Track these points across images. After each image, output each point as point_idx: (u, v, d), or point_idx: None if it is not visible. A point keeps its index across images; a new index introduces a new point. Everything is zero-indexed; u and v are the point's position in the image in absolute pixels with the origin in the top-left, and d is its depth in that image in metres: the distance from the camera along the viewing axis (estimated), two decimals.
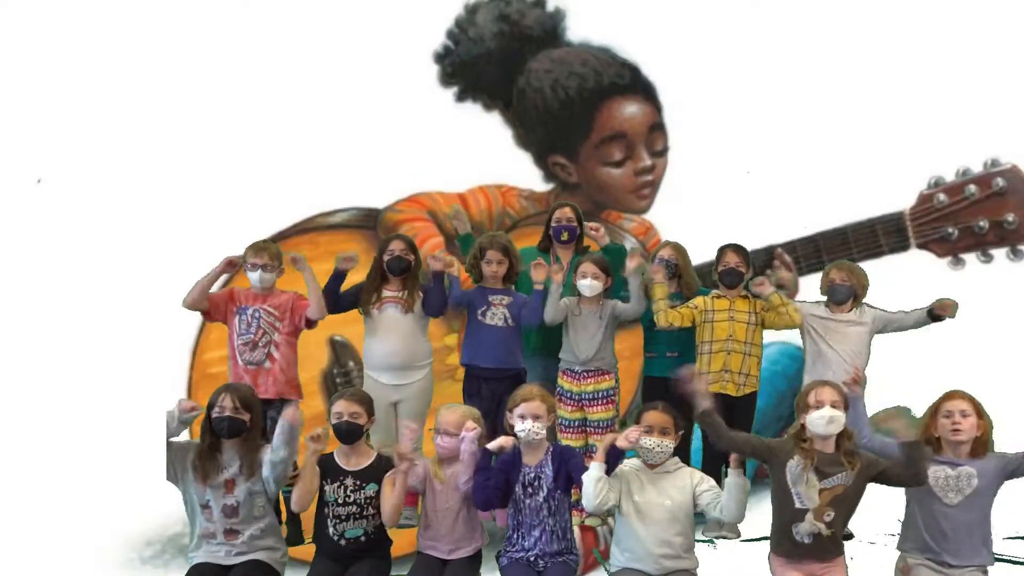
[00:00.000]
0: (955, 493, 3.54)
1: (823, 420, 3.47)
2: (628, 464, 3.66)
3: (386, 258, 4.55)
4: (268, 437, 4.36)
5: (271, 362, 4.51)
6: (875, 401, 4.56)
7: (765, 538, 3.72)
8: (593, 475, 3.52)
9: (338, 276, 4.56)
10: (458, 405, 3.93)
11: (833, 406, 3.48)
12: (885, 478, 3.50)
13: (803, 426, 3.55)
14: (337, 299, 4.58)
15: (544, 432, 3.70)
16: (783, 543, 3.54)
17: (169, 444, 3.73)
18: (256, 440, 3.78)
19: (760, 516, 3.66)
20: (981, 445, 3.58)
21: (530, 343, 4.72)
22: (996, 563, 3.82)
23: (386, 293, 4.57)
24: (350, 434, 3.78)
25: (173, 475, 3.74)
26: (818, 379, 3.87)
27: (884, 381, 4.59)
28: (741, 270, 4.59)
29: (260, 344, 4.50)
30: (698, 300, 4.60)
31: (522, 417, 3.67)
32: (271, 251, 4.59)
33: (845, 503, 3.48)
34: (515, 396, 3.77)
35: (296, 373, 4.63)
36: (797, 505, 3.48)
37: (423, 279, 4.70)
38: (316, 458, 3.72)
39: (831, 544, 3.50)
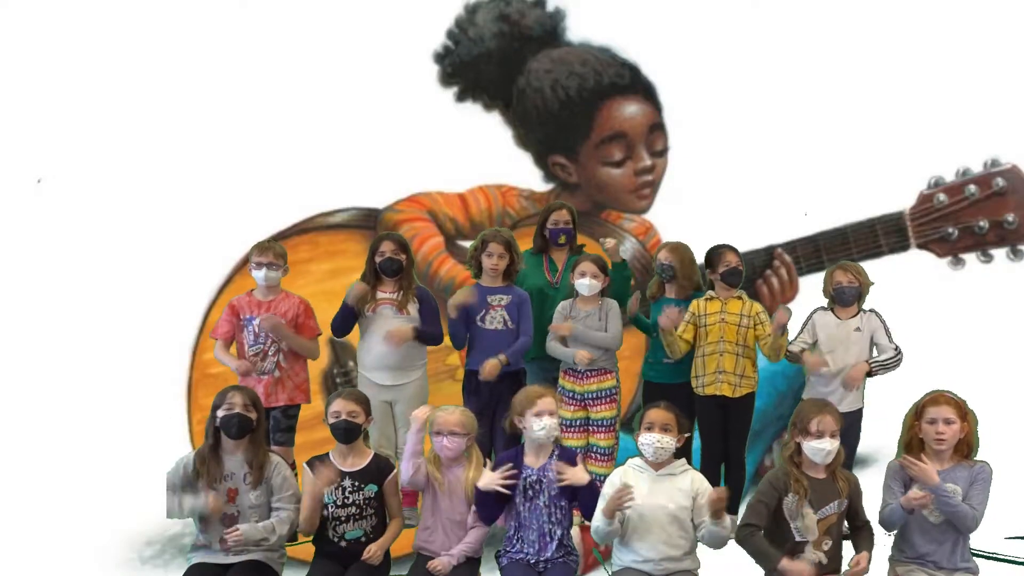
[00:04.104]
0: (939, 512, 3.54)
1: (822, 452, 3.52)
2: (631, 464, 3.66)
3: (378, 259, 4.52)
4: (271, 438, 4.39)
5: (279, 370, 4.51)
6: (875, 400, 4.58)
7: None
8: (602, 528, 3.52)
9: (348, 311, 4.55)
10: (455, 407, 3.90)
11: (832, 436, 3.53)
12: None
13: (797, 445, 3.57)
14: (347, 327, 4.61)
15: (558, 429, 3.72)
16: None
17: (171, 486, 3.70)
18: (262, 444, 3.78)
19: None
20: (965, 445, 3.58)
21: (530, 350, 4.72)
22: (996, 563, 3.83)
23: (380, 295, 4.54)
24: (348, 433, 3.77)
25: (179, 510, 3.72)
26: (820, 399, 3.86)
27: (883, 380, 4.59)
28: (741, 268, 4.60)
29: (270, 353, 4.51)
30: (692, 306, 4.60)
31: (539, 415, 3.67)
32: (275, 250, 4.59)
33: (838, 526, 3.55)
34: (527, 398, 3.75)
35: (306, 377, 4.64)
36: (797, 539, 3.51)
37: (418, 279, 4.71)
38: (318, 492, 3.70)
39: (831, 566, 3.54)
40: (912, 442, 3.62)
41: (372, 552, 3.69)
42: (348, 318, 4.55)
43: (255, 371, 4.47)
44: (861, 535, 3.60)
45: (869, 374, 4.43)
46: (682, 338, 4.51)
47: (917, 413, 3.62)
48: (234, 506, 3.69)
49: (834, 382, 4.47)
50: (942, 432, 3.52)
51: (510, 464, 3.68)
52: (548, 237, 4.86)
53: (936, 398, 3.59)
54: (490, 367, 4.45)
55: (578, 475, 3.62)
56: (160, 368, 6.32)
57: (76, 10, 6.50)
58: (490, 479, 3.66)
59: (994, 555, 3.94)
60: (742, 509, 4.62)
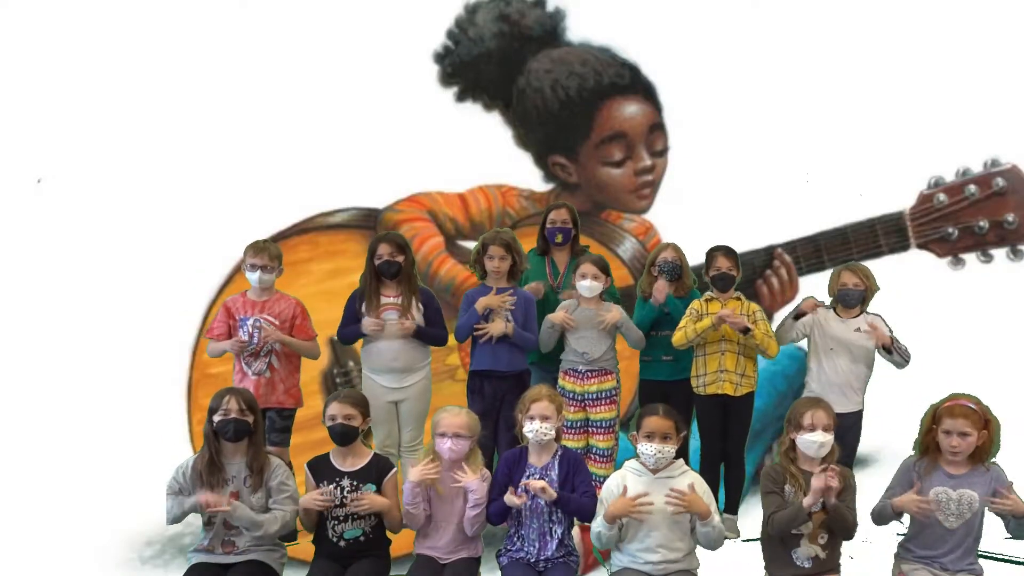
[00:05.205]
0: (956, 518, 3.53)
1: (815, 445, 3.52)
2: (629, 466, 3.65)
3: (376, 262, 4.50)
4: (267, 439, 4.39)
5: (271, 371, 4.51)
6: (875, 400, 4.58)
7: None
8: (604, 533, 3.53)
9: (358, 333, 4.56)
10: (460, 408, 3.90)
11: (825, 430, 3.53)
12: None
13: (792, 442, 3.58)
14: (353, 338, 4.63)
15: (553, 433, 3.71)
16: (782, 568, 3.55)
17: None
18: (261, 445, 3.77)
19: (760, 515, 3.66)
20: (983, 452, 3.57)
21: (531, 353, 4.72)
22: (996, 563, 3.83)
23: (384, 299, 4.52)
24: (344, 437, 3.76)
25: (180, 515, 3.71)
26: (813, 396, 3.85)
27: (884, 380, 4.59)
28: (732, 274, 4.57)
29: (262, 354, 4.50)
30: (693, 304, 4.60)
31: (531, 418, 3.68)
32: (271, 251, 4.57)
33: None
34: (524, 398, 3.77)
35: (296, 381, 4.63)
36: (793, 531, 3.51)
37: (422, 280, 4.70)
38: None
39: (828, 563, 3.53)
40: (929, 444, 3.59)
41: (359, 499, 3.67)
42: (358, 333, 4.57)
43: (247, 349, 4.47)
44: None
45: (887, 348, 4.43)
46: (679, 331, 4.52)
47: (935, 417, 3.59)
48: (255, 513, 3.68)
49: (833, 384, 4.47)
50: (956, 446, 3.51)
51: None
52: (547, 237, 4.87)
53: (953, 409, 3.54)
54: (495, 326, 4.48)
55: (547, 495, 3.59)
56: (160, 368, 6.32)
57: (76, 10, 6.50)
58: (514, 501, 3.64)
59: (995, 555, 3.94)
60: (742, 509, 4.65)
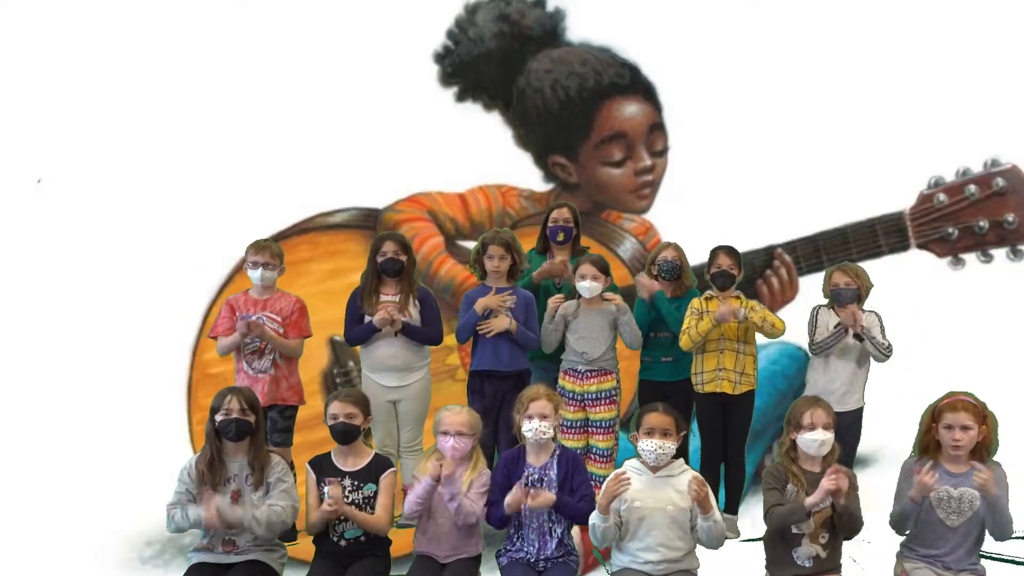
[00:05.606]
0: (957, 516, 3.54)
1: (816, 443, 3.53)
2: (629, 465, 3.65)
3: (379, 260, 4.50)
4: (268, 439, 4.39)
5: (275, 368, 4.51)
6: (875, 400, 4.58)
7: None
8: (599, 525, 3.51)
9: (372, 329, 4.50)
10: (461, 407, 3.89)
11: (825, 428, 3.54)
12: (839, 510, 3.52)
13: (793, 442, 3.59)
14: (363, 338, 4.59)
15: (552, 432, 3.72)
16: (783, 568, 3.56)
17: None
18: (262, 445, 3.76)
19: (760, 515, 3.66)
20: (983, 448, 3.57)
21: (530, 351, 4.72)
22: (996, 563, 3.83)
23: (383, 297, 4.53)
24: (346, 435, 3.77)
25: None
26: (812, 395, 3.86)
27: (884, 380, 4.59)
28: (733, 272, 4.57)
29: (266, 351, 4.50)
30: (693, 303, 4.60)
31: (530, 417, 3.69)
32: (272, 249, 4.58)
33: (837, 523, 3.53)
34: (522, 397, 3.78)
35: (298, 379, 4.63)
36: (794, 530, 3.52)
37: (421, 279, 4.71)
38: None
39: (829, 563, 3.54)
40: (929, 443, 3.60)
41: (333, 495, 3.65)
42: (368, 331, 4.53)
43: (248, 347, 4.45)
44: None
45: (859, 337, 4.39)
46: (686, 333, 4.52)
47: (934, 415, 3.59)
48: (238, 507, 3.68)
49: (833, 382, 4.47)
50: (958, 439, 3.51)
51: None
52: (548, 235, 4.88)
53: (954, 403, 3.55)
54: (498, 321, 4.48)
55: (540, 500, 3.58)
56: (160, 368, 6.32)
57: (76, 10, 6.50)
58: (517, 499, 3.63)
59: (995, 555, 3.94)
60: (742, 509, 4.65)
